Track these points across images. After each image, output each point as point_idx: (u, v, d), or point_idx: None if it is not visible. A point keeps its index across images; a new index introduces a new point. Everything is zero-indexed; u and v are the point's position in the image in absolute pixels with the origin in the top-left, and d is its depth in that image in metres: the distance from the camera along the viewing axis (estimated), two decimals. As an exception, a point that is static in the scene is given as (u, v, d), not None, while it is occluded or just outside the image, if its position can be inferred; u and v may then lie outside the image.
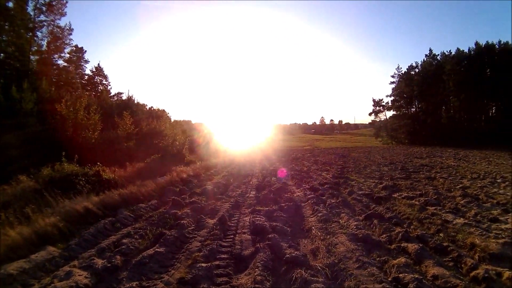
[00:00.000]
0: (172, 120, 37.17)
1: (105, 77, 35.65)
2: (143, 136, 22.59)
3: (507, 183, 13.65)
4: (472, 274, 4.92)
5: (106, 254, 5.66)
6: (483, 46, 57.10)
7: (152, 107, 35.48)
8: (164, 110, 36.39)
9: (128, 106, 28.12)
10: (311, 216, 8.90)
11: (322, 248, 6.14)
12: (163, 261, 5.40)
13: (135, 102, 32.40)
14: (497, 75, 52.59)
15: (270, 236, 6.40)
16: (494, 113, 57.50)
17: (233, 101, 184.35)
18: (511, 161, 24.00)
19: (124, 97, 33.27)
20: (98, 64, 34.68)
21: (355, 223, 7.79)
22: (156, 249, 5.66)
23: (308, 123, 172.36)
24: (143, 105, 34.54)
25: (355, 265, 5.26)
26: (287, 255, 5.41)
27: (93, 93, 31.61)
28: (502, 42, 56.40)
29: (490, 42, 57.05)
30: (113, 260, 5.25)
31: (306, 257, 5.53)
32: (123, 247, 5.88)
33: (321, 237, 6.83)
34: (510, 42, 55.78)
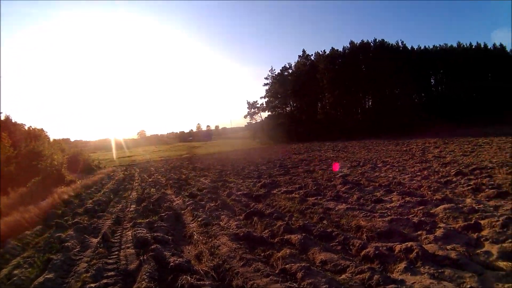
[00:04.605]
0: (51, 140, 37.92)
1: (-17, 95, 31.95)
2: (22, 159, 22.75)
3: (388, 166, 15.83)
4: (362, 253, 5.53)
5: (1, 288, 5.73)
6: (358, 44, 66.27)
7: (30, 126, 34.34)
8: (42, 129, 35.46)
9: (6, 127, 27.94)
10: (192, 222, 9.17)
11: (205, 251, 6.35)
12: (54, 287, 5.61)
13: (13, 122, 32.40)
14: (372, 70, 61.58)
15: (153, 247, 6.75)
16: (370, 105, 66.84)
17: (107, 116, 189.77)
18: (390, 146, 27.98)
19: (2, 117, 30.40)
20: (-24, 81, 30.76)
21: (236, 223, 8.19)
22: (46, 276, 5.86)
23: (185, 131, 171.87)
24: (21, 125, 34.21)
25: (240, 263, 5.48)
26: (171, 264, 5.70)
27: (-29, 114, 27.68)
28: (377, 40, 66.69)
29: (365, 40, 66.73)
30: (7, 294, 5.42)
31: (191, 262, 5.78)
32: (15, 278, 6.05)
33: (204, 241, 7.07)
34: (385, 40, 66.48)
